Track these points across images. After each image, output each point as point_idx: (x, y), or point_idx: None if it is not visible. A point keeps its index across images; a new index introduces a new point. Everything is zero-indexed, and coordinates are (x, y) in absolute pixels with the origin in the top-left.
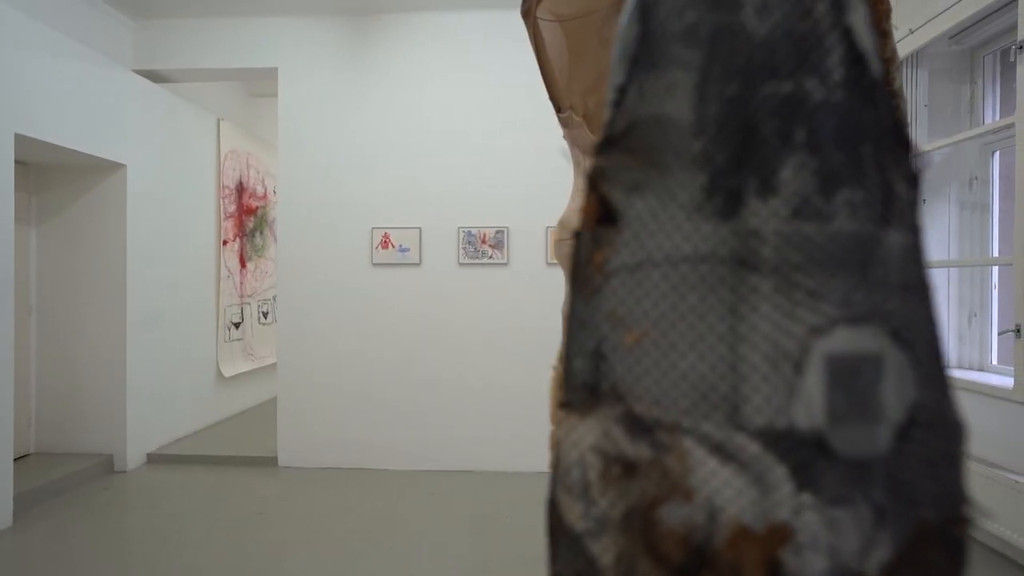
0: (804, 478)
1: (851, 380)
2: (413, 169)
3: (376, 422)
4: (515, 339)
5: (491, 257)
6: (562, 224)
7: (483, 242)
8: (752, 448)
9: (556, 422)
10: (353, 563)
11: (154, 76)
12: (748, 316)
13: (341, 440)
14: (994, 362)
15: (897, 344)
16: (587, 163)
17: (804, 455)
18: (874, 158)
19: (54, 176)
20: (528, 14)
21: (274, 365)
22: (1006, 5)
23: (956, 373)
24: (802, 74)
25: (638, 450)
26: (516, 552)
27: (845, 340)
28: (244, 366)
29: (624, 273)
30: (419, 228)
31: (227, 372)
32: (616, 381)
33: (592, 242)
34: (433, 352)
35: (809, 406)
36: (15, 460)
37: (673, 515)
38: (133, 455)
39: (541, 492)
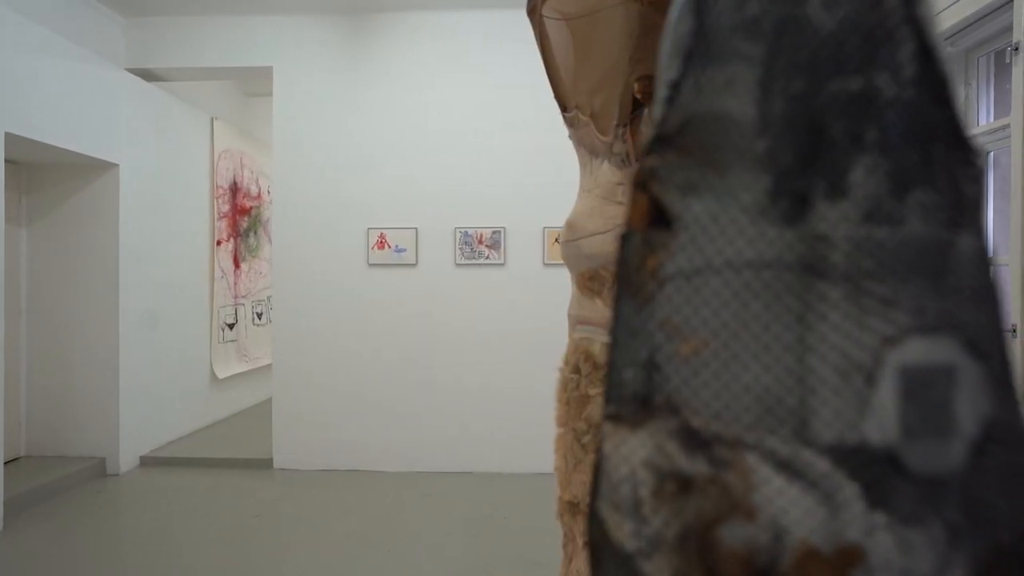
0: (876, 496)
1: (925, 393)
2: (409, 169)
3: (372, 423)
4: (512, 340)
5: (488, 257)
6: (570, 226)
7: (480, 242)
8: (821, 465)
9: (561, 424)
10: (350, 566)
11: (147, 75)
12: (817, 325)
13: (337, 442)
14: None
15: (971, 355)
16: (599, 164)
17: (876, 472)
18: (944, 158)
19: (45, 175)
20: (533, 12)
21: (268, 366)
22: (1001, 7)
23: None
24: (872, 69)
25: (695, 466)
26: (514, 554)
27: (919, 351)
28: (238, 367)
29: (680, 279)
30: (415, 228)
31: (221, 373)
32: (671, 393)
33: (644, 246)
34: (430, 353)
35: (882, 420)
36: (6, 463)
37: (734, 535)
38: (126, 458)
39: (538, 493)
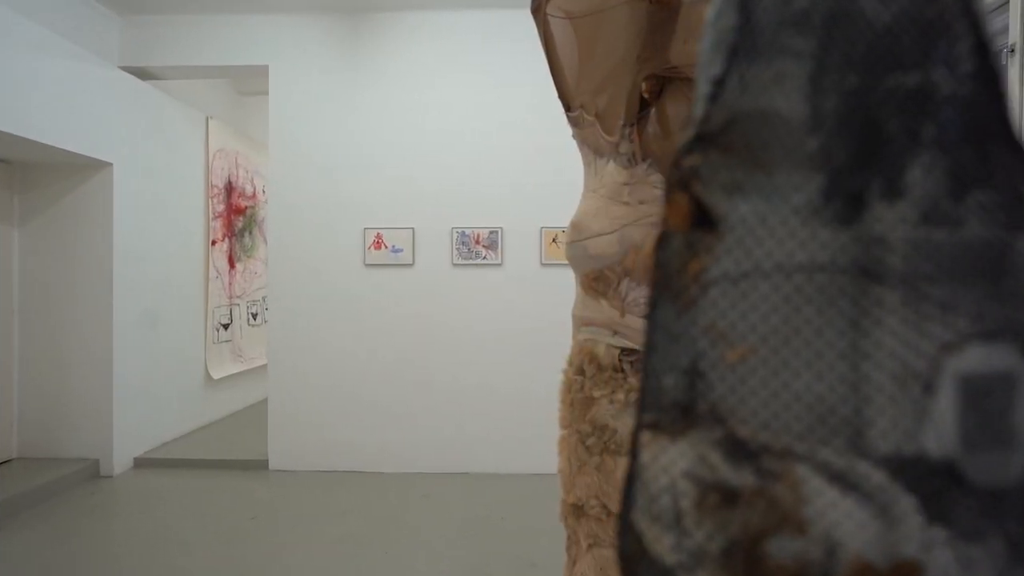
0: (935, 510)
1: (985, 402)
2: (406, 169)
3: (369, 424)
4: (509, 340)
5: (485, 258)
6: (575, 226)
7: (477, 243)
8: (877, 477)
9: (565, 426)
10: (347, 568)
11: (141, 73)
12: (872, 331)
13: (333, 443)
14: None
15: None
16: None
17: (935, 484)
18: (1000, 157)
19: (38, 174)
20: (538, 10)
21: (263, 367)
22: (998, 7)
23: None
24: (929, 64)
25: (741, 477)
26: (512, 555)
27: (979, 358)
28: (233, 368)
29: (726, 283)
30: (412, 228)
31: (216, 374)
32: (716, 401)
33: (686, 249)
34: (426, 354)
35: (940, 431)
36: None
37: (784, 549)
38: (120, 459)
39: (536, 494)
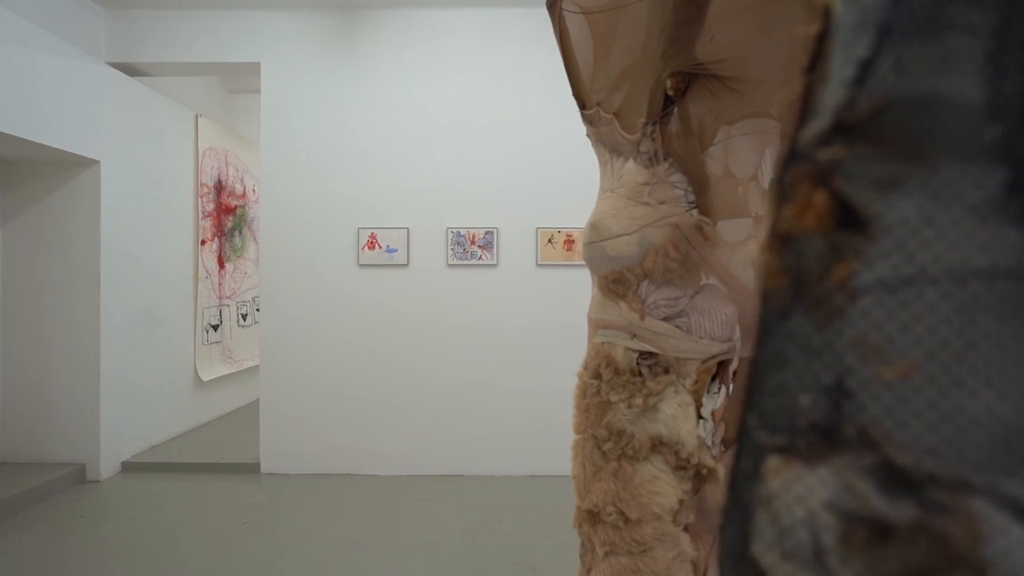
0: None
1: None
2: (401, 168)
3: (363, 426)
4: (505, 341)
5: (480, 258)
6: (593, 227)
7: (472, 243)
8: None
9: (579, 431)
10: (342, 573)
11: (129, 69)
12: None
13: (326, 445)
14: None
15: None
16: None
17: None
18: None
19: (23, 172)
20: (554, 6)
21: (253, 369)
22: None
23: None
24: None
25: (898, 511)
26: (510, 558)
27: None
28: (223, 370)
29: (882, 291)
30: (407, 228)
31: (205, 376)
32: (867, 424)
33: (830, 252)
34: (421, 355)
35: None
36: None
37: None
38: (107, 463)
39: (533, 497)
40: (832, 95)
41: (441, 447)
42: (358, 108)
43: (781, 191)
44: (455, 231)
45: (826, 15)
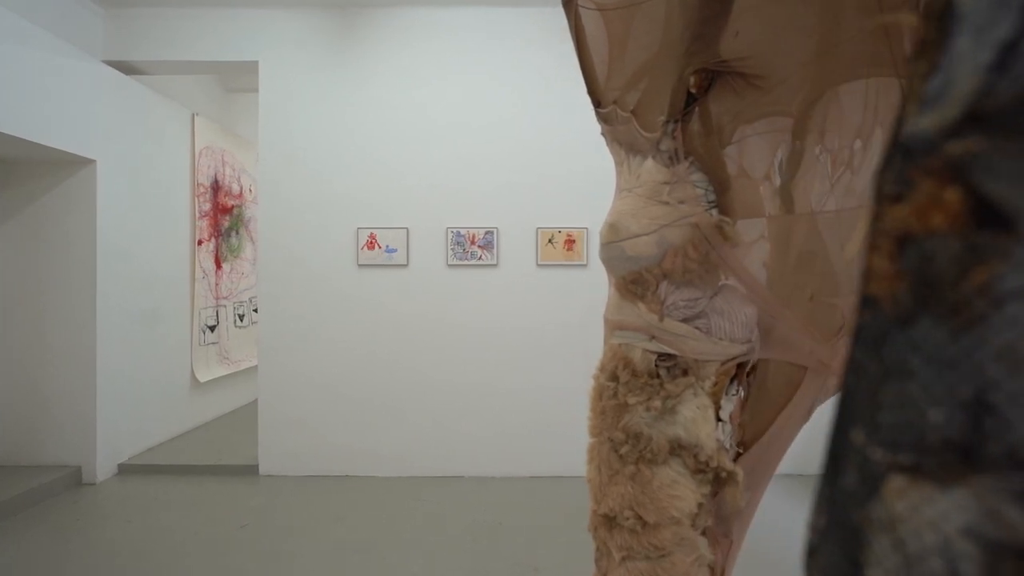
0: None
1: None
2: (400, 167)
3: (362, 428)
4: (505, 342)
5: (480, 258)
6: (611, 226)
7: (472, 243)
8: None
9: (595, 434)
10: (343, 575)
11: (126, 68)
12: None
13: (325, 447)
14: None
15: None
16: (641, 162)
17: None
18: None
19: (18, 171)
20: (569, 3)
21: (250, 369)
22: None
23: None
24: None
25: None
26: (513, 560)
27: None
28: (220, 371)
29: None
30: (406, 228)
31: (202, 377)
32: (1015, 444)
33: (968, 254)
34: (421, 356)
35: None
36: None
37: None
38: (103, 466)
39: (534, 497)
40: (960, 83)
41: (441, 448)
42: (357, 107)
43: (892, 188)
44: (455, 231)
45: None
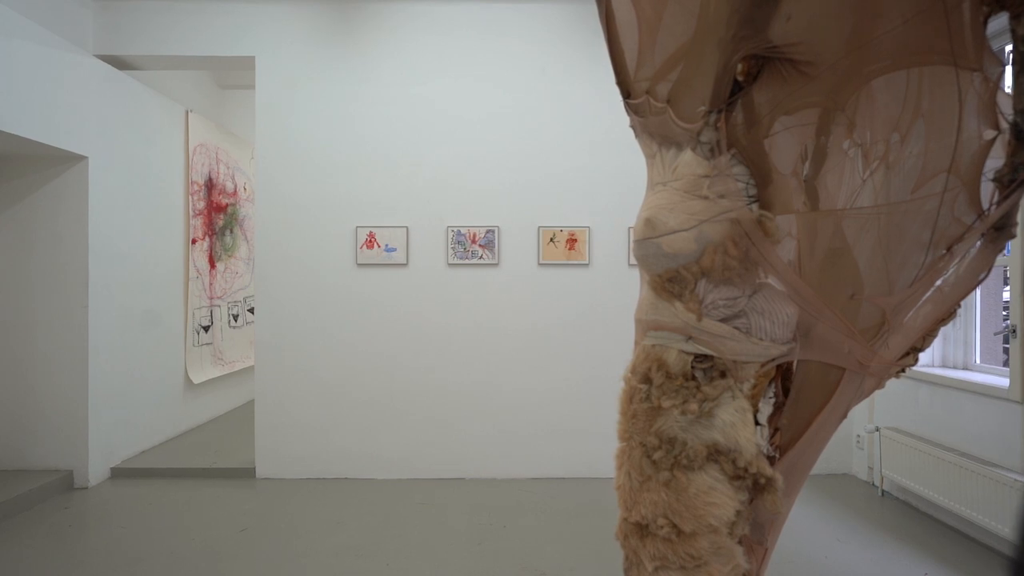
0: None
1: None
2: (400, 165)
3: (361, 429)
4: (506, 342)
5: (481, 257)
6: (647, 222)
7: (473, 242)
8: None
9: (625, 438)
10: None
11: (118, 62)
12: None
13: (324, 449)
14: (977, 361)
15: None
16: (676, 155)
17: None
18: None
19: (7, 167)
20: None
21: (244, 370)
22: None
23: (943, 372)
24: None
25: None
26: (519, 564)
27: None
28: (214, 372)
29: None
30: (406, 227)
31: (196, 378)
32: None
33: None
34: (421, 356)
35: None
36: None
37: None
38: (96, 470)
39: (537, 499)
40: None
41: (442, 450)
42: (355, 103)
43: None
44: (455, 230)
45: None
